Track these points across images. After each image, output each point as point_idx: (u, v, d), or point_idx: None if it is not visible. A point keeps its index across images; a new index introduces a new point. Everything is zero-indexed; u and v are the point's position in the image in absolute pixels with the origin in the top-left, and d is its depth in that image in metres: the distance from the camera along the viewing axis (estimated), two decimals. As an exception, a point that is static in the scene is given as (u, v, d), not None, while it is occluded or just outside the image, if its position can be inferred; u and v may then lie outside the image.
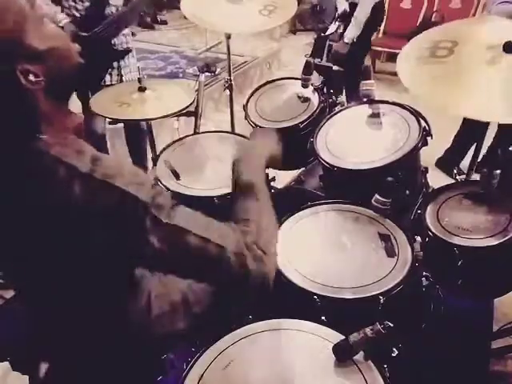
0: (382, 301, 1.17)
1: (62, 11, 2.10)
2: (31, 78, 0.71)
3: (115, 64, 2.30)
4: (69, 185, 0.72)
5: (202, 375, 0.99)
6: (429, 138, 1.54)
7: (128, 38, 2.31)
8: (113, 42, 2.22)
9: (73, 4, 2.10)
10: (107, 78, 2.29)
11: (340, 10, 3.24)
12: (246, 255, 0.82)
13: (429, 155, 1.67)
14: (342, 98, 1.99)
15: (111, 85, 2.26)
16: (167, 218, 0.78)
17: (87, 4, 2.09)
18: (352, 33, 3.13)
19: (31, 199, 0.74)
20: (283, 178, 2.27)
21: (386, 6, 4.61)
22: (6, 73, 0.69)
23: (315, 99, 1.93)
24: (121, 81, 2.32)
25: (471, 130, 2.61)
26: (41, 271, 0.85)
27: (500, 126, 2.16)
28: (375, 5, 3.11)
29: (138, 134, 2.57)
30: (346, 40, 3.14)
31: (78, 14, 2.11)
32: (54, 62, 0.75)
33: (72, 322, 0.96)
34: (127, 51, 2.31)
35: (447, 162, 3.00)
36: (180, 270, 0.85)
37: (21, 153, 0.74)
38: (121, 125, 2.60)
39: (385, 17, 3.46)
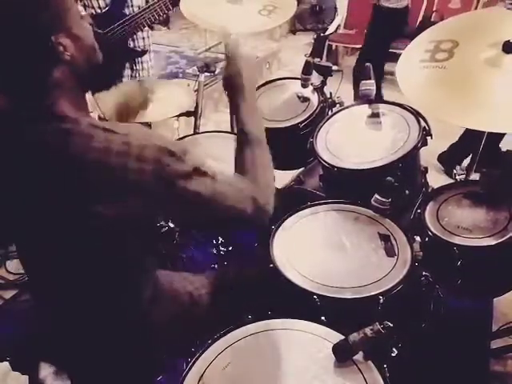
0: (381, 301, 1.17)
1: (81, 1, 2.09)
2: (61, 48, 0.79)
3: (132, 65, 2.28)
4: (107, 148, 0.76)
5: (202, 375, 0.99)
6: (428, 138, 1.54)
7: (146, 40, 2.29)
8: (129, 42, 2.21)
9: None
10: (125, 80, 2.28)
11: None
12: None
13: (429, 155, 1.66)
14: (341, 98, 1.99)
15: None
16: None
17: (108, 1, 2.08)
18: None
19: (67, 163, 0.78)
20: (283, 178, 2.27)
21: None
22: (46, 35, 0.77)
23: (315, 99, 1.93)
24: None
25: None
26: (60, 249, 0.85)
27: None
28: (394, 10, 3.08)
29: None
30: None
31: (97, 10, 2.10)
32: (79, 48, 0.82)
33: (76, 319, 0.96)
34: (144, 52, 2.29)
35: (449, 158, 2.95)
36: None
37: (54, 119, 0.79)
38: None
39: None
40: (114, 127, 0.80)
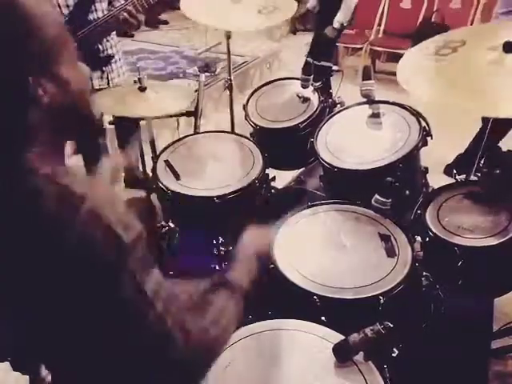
0: (382, 301, 1.17)
1: None
2: (40, 91, 0.70)
3: (102, 69, 2.23)
4: (57, 206, 0.66)
5: (202, 375, 0.99)
6: (429, 138, 1.54)
7: (111, 42, 2.22)
8: (96, 47, 2.15)
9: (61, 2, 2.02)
10: (95, 82, 2.24)
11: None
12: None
13: (429, 155, 1.66)
14: (342, 98, 1.99)
15: (100, 89, 2.16)
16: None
17: (71, 2, 2.02)
18: (341, 17, 3.20)
19: (14, 221, 0.68)
20: (283, 178, 2.27)
21: (386, 5, 4.64)
22: (22, 74, 0.69)
23: (315, 99, 1.94)
24: (108, 85, 2.25)
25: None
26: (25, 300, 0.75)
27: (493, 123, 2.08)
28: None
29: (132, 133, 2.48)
30: (335, 25, 3.24)
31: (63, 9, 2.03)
32: (64, 94, 0.74)
33: (70, 326, 0.95)
34: (109, 57, 2.24)
35: (460, 166, 2.88)
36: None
37: (8, 166, 0.70)
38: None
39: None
40: (74, 186, 0.68)
